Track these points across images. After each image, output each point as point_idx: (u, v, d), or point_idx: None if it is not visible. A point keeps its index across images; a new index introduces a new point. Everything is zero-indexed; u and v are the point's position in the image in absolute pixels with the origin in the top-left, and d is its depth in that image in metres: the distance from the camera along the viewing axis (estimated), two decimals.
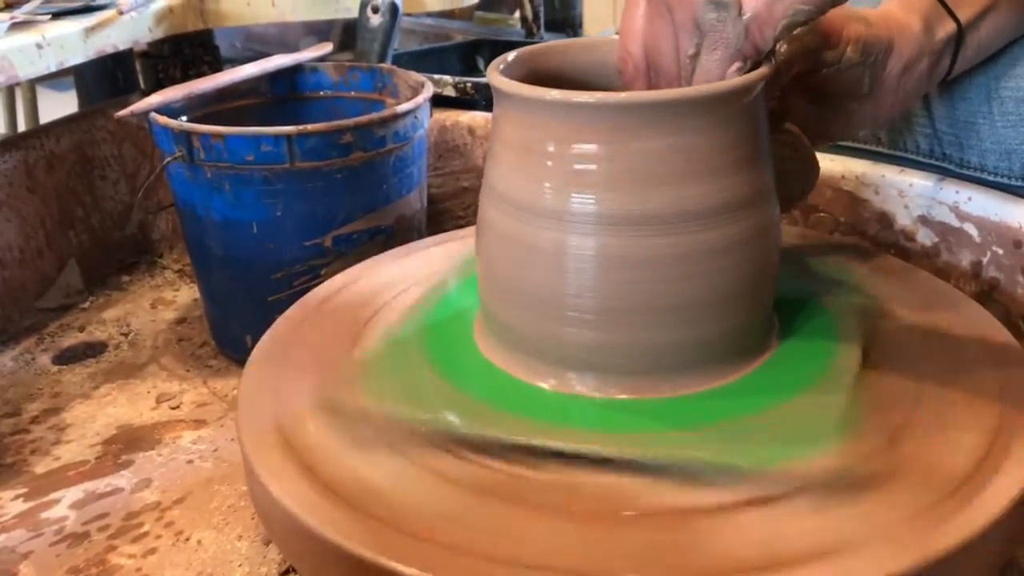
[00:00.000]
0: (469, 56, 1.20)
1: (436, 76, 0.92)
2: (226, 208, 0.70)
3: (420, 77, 0.80)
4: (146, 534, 0.57)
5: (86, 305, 0.89)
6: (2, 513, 0.59)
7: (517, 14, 1.37)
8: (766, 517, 0.41)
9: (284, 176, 0.69)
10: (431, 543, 0.40)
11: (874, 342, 0.52)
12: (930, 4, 0.60)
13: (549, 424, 0.47)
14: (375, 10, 0.88)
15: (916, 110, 0.71)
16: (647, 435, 0.46)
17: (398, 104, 0.74)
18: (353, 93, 0.86)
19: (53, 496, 0.61)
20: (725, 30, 0.45)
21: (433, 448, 0.46)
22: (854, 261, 0.62)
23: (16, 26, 0.79)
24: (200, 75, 0.99)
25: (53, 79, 0.84)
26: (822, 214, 0.73)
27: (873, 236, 0.71)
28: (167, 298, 0.90)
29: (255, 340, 0.57)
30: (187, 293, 0.91)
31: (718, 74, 0.46)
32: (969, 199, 0.66)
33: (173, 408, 0.72)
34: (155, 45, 0.99)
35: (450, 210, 0.94)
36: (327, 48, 0.89)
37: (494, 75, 0.49)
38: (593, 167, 0.46)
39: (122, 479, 0.62)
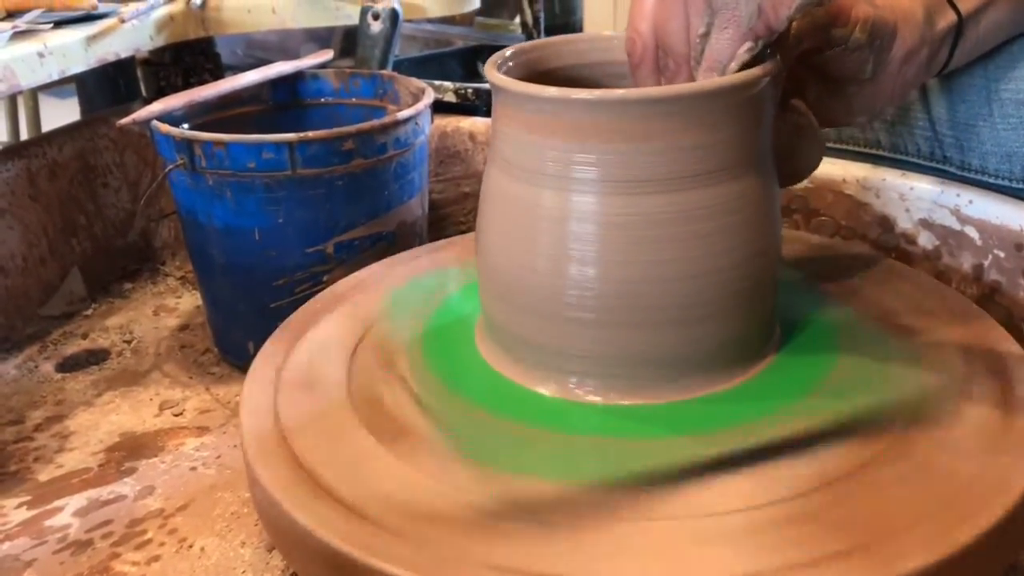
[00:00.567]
0: (470, 62, 1.21)
1: (437, 82, 0.93)
2: (228, 215, 0.71)
3: (421, 83, 0.80)
4: (149, 541, 0.57)
5: (89, 313, 0.89)
6: (5, 521, 0.59)
7: (517, 19, 1.38)
8: None
9: (286, 183, 0.69)
10: (435, 550, 0.40)
11: (876, 347, 0.52)
12: None
13: (548, 430, 0.47)
14: (376, 17, 0.89)
15: (917, 113, 0.71)
16: (646, 441, 0.46)
17: (399, 110, 0.74)
18: (354, 100, 0.86)
19: (56, 504, 0.61)
20: (738, 8, 0.45)
21: (437, 454, 0.46)
22: (855, 265, 0.62)
23: (18, 35, 0.79)
24: (201, 82, 0.99)
25: (55, 87, 0.85)
26: (823, 218, 0.73)
27: (874, 239, 0.71)
28: (169, 305, 0.91)
29: (257, 347, 0.58)
30: (189, 300, 0.91)
31: (729, 54, 0.46)
32: (970, 202, 0.66)
33: (176, 415, 0.72)
34: (156, 53, 0.99)
35: (451, 216, 0.94)
36: (328, 55, 0.89)
37: (492, 72, 0.49)
38: (592, 160, 0.46)
39: (125, 486, 0.63)
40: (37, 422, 0.72)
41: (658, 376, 0.49)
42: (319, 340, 0.57)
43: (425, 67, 1.13)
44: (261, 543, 0.56)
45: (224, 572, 0.54)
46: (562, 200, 0.47)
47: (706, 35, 0.46)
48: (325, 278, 0.72)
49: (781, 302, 0.54)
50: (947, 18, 0.59)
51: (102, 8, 0.87)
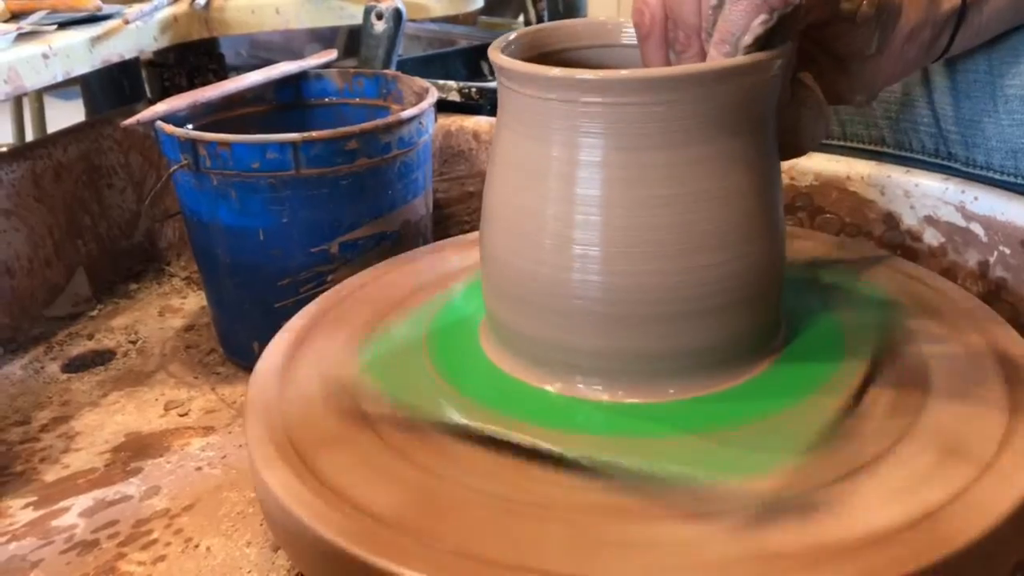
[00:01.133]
0: (473, 61, 1.21)
1: (440, 82, 0.93)
2: (232, 215, 0.71)
3: (424, 83, 0.80)
4: (155, 541, 0.57)
5: (94, 313, 0.90)
6: (12, 521, 0.60)
7: (521, 18, 1.38)
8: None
9: (290, 183, 0.69)
10: (441, 548, 0.40)
11: (881, 346, 0.52)
12: None
13: (553, 428, 0.47)
14: (379, 16, 0.89)
15: (921, 109, 0.71)
16: (649, 440, 0.46)
17: (403, 110, 0.74)
18: (358, 99, 0.86)
19: (63, 504, 0.61)
20: None
21: (444, 453, 0.46)
22: (860, 263, 0.62)
23: (22, 36, 0.79)
24: (205, 83, 0.99)
25: (60, 88, 0.85)
26: (828, 215, 0.73)
27: (879, 237, 0.71)
28: (175, 305, 0.91)
29: (262, 346, 0.58)
30: (194, 300, 0.91)
31: (743, 26, 0.44)
32: (975, 199, 0.66)
33: (181, 415, 0.72)
34: (161, 54, 0.99)
35: (456, 215, 0.94)
36: (332, 55, 0.89)
37: (496, 54, 0.49)
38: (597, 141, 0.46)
39: (131, 487, 0.63)
40: (43, 423, 0.72)
41: (664, 373, 0.48)
42: (324, 340, 0.57)
43: (429, 66, 1.13)
44: (267, 543, 0.56)
45: (230, 572, 0.54)
46: (566, 184, 0.46)
47: (719, 6, 0.45)
48: (329, 278, 0.72)
49: (786, 300, 0.54)
50: (951, 1, 0.59)
51: (106, 9, 0.87)
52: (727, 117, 0.46)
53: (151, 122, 0.72)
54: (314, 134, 0.68)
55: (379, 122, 0.71)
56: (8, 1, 0.86)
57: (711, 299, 0.47)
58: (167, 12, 0.92)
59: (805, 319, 0.55)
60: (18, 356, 0.82)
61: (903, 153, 0.73)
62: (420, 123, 0.74)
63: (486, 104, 0.93)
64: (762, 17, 0.44)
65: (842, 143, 0.77)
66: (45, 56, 0.78)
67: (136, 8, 0.88)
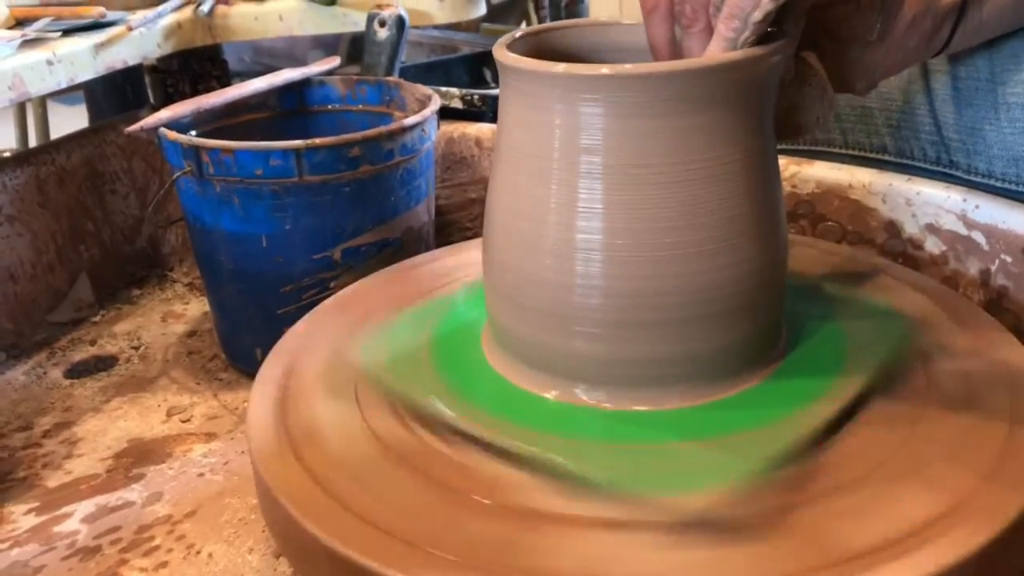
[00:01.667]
0: (476, 68, 1.21)
1: (443, 88, 0.93)
2: (235, 222, 0.71)
3: (427, 90, 0.81)
4: (157, 547, 0.57)
5: (97, 319, 0.90)
6: (15, 527, 0.60)
7: (524, 25, 1.38)
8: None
9: (293, 190, 0.69)
10: (444, 556, 0.40)
11: (881, 357, 0.52)
12: None
13: (557, 436, 0.47)
14: (382, 24, 0.89)
15: (923, 117, 0.71)
16: (648, 446, 0.46)
17: (405, 117, 0.74)
18: (361, 106, 0.86)
19: (65, 510, 0.61)
20: None
21: (445, 461, 0.46)
22: (861, 271, 0.62)
23: (27, 43, 0.80)
24: (209, 89, 0.99)
25: (63, 94, 0.85)
26: (830, 223, 0.73)
27: (881, 245, 0.71)
28: (177, 311, 0.91)
29: (265, 353, 0.58)
30: (197, 306, 0.91)
31: (752, 1, 0.44)
32: (977, 207, 0.66)
33: (184, 421, 0.72)
34: (164, 60, 0.99)
35: (458, 221, 0.95)
36: (335, 62, 0.89)
37: (500, 51, 0.49)
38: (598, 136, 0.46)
39: (133, 493, 0.63)
40: (45, 428, 0.72)
41: (665, 381, 0.48)
42: (327, 346, 0.58)
43: (431, 73, 1.13)
44: (269, 549, 0.56)
45: None
46: (570, 178, 0.47)
47: None
48: (332, 284, 0.72)
49: (787, 307, 0.54)
50: None
51: (110, 16, 0.87)
52: (728, 121, 0.46)
53: (154, 128, 0.72)
54: (317, 141, 0.68)
55: (382, 129, 0.71)
56: (13, 8, 0.86)
57: (712, 306, 0.47)
58: (171, 19, 0.93)
59: (806, 327, 0.55)
60: (21, 362, 0.82)
61: (905, 161, 0.73)
62: (423, 130, 0.74)
63: (488, 111, 0.93)
64: None
65: (844, 151, 0.77)
66: (49, 63, 0.78)
67: (140, 15, 0.89)
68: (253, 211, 0.70)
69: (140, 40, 0.88)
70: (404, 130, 0.72)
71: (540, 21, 1.27)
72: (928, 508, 0.41)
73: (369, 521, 0.42)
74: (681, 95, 0.44)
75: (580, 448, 0.46)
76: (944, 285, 0.62)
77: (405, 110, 0.83)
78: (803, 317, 0.56)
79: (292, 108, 0.86)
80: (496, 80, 0.51)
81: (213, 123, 0.80)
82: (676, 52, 0.50)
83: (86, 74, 0.82)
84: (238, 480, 0.63)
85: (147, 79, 1.05)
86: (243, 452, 0.66)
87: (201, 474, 0.64)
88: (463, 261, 0.67)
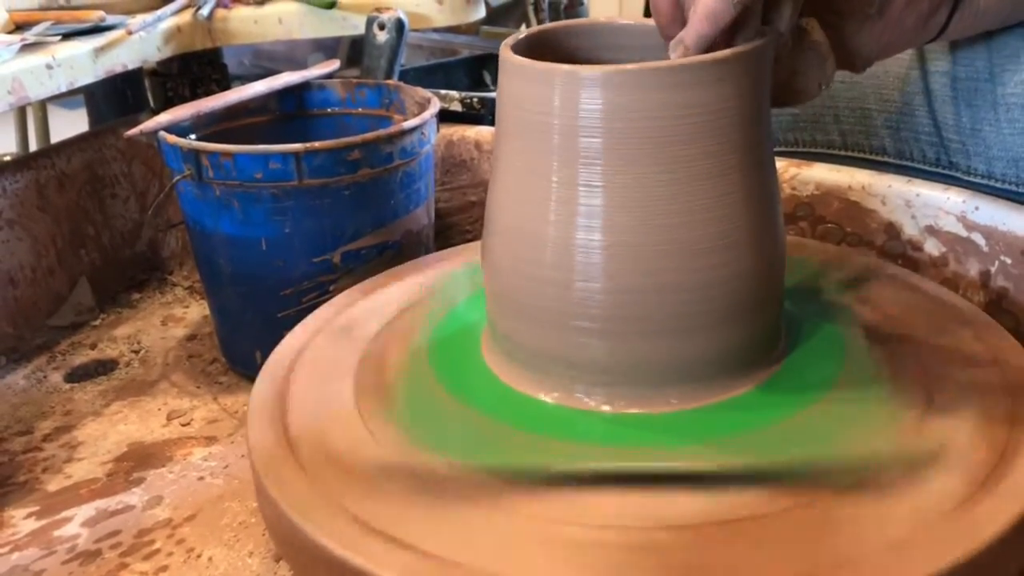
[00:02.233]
0: (476, 71, 1.21)
1: (443, 91, 0.93)
2: (235, 225, 0.71)
3: (426, 93, 0.81)
4: (157, 551, 0.57)
5: (97, 323, 0.90)
6: (15, 531, 0.60)
7: (523, 28, 1.38)
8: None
9: (292, 193, 0.69)
10: (443, 560, 0.40)
11: (880, 360, 0.52)
12: None
13: (556, 439, 0.47)
14: (381, 27, 0.89)
15: (922, 119, 0.71)
16: (655, 450, 0.46)
17: (405, 120, 0.74)
18: (360, 110, 0.86)
19: (65, 514, 0.61)
20: None
21: (445, 465, 0.46)
22: (861, 273, 0.62)
23: (27, 47, 0.80)
24: (208, 93, 0.99)
25: (63, 97, 0.85)
26: (829, 225, 0.73)
27: (880, 246, 0.71)
28: (177, 315, 0.91)
29: (265, 356, 0.58)
30: (197, 310, 0.91)
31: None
32: (976, 209, 0.66)
33: (184, 425, 0.72)
34: (164, 64, 0.99)
35: (458, 224, 0.95)
36: (334, 65, 0.89)
37: (504, 50, 0.49)
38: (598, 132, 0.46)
39: (133, 496, 0.63)
40: (46, 432, 0.72)
41: (666, 382, 0.49)
42: (326, 349, 0.58)
43: (431, 76, 1.14)
44: (269, 553, 0.56)
45: None
46: (569, 180, 0.47)
47: None
48: (332, 287, 0.72)
49: (786, 310, 0.54)
50: None
51: (110, 20, 0.87)
52: (726, 120, 0.46)
53: (154, 132, 0.72)
54: (316, 145, 0.68)
55: (381, 132, 0.71)
56: (13, 12, 0.86)
57: (711, 305, 0.47)
58: (170, 22, 0.93)
59: (805, 330, 0.55)
60: (21, 366, 0.82)
61: (904, 162, 0.73)
62: (422, 133, 0.74)
63: (488, 114, 0.93)
64: None
65: (843, 153, 0.77)
66: (49, 67, 0.78)
67: (139, 19, 0.89)
68: (253, 214, 0.70)
69: (140, 44, 0.88)
70: (403, 133, 0.72)
71: (540, 24, 1.27)
72: (900, 529, 0.40)
73: (369, 525, 0.42)
74: (678, 93, 0.44)
75: (576, 451, 0.46)
76: (944, 287, 0.62)
77: (405, 113, 0.83)
78: (802, 319, 0.56)
79: (292, 111, 0.86)
80: (495, 83, 0.51)
81: (213, 127, 0.80)
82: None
83: (86, 78, 0.82)
84: (238, 484, 0.63)
85: (147, 83, 1.05)
86: (243, 456, 0.66)
87: (201, 478, 0.64)
88: (463, 264, 0.67)
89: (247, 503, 0.61)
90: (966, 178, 0.69)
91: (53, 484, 0.65)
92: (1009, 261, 0.64)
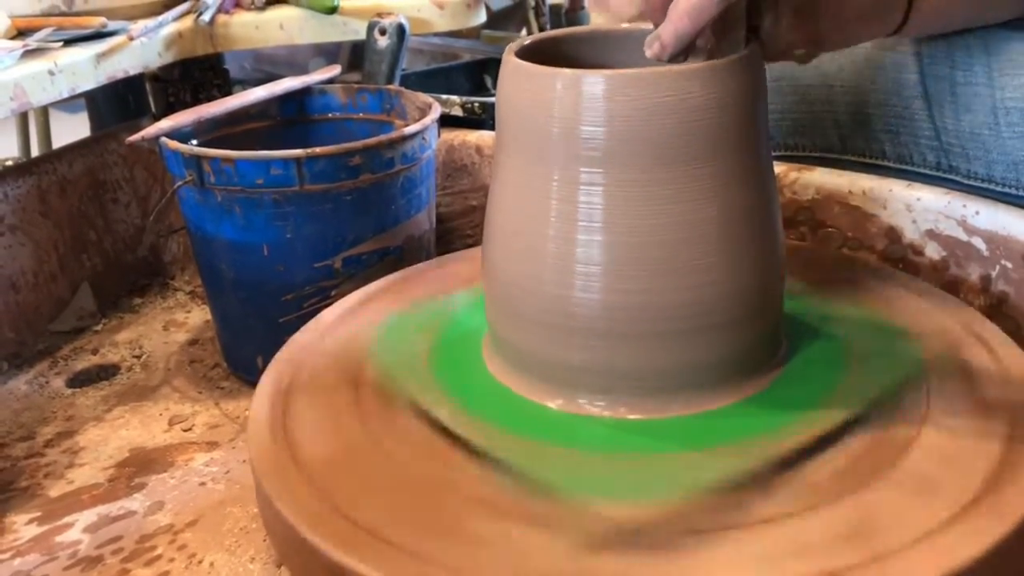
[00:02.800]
0: (477, 75, 1.21)
1: (444, 96, 0.93)
2: (237, 231, 0.71)
3: (427, 98, 0.81)
4: (159, 557, 0.57)
5: (99, 328, 0.90)
6: (16, 537, 0.60)
7: (524, 32, 1.38)
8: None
9: (294, 199, 0.69)
10: (444, 566, 0.40)
11: (879, 366, 0.52)
12: None
13: (557, 445, 0.47)
14: (382, 32, 0.89)
15: (922, 123, 0.71)
16: (654, 456, 0.46)
17: (406, 125, 0.74)
18: (361, 115, 0.86)
19: (67, 520, 0.61)
20: None
21: (447, 470, 0.46)
22: (862, 277, 0.62)
23: (28, 53, 0.80)
24: (210, 98, 1.00)
25: (65, 102, 0.85)
26: (829, 229, 0.73)
27: (881, 251, 0.71)
28: (179, 320, 0.91)
29: (266, 361, 0.58)
30: (199, 315, 0.91)
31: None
32: (977, 213, 0.66)
33: (185, 430, 0.72)
34: (165, 69, 1.00)
35: (459, 229, 0.95)
36: (335, 70, 0.89)
37: (508, 56, 0.49)
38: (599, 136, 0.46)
39: (135, 502, 0.63)
40: (48, 438, 0.72)
41: (667, 390, 0.49)
42: (328, 354, 0.58)
43: (432, 80, 1.14)
44: (270, 559, 0.56)
45: None
46: (570, 188, 0.47)
47: None
48: (333, 293, 0.72)
49: (787, 315, 0.54)
50: None
51: (111, 26, 0.87)
52: (725, 129, 0.46)
53: (156, 138, 0.72)
54: (318, 150, 0.68)
55: (382, 138, 0.71)
56: (15, 18, 0.87)
57: (711, 317, 0.48)
58: (172, 28, 0.93)
59: (806, 336, 0.55)
60: (23, 371, 0.82)
61: (904, 166, 0.73)
62: (423, 138, 0.74)
63: (489, 118, 0.93)
64: None
65: (843, 157, 0.77)
66: (51, 73, 0.78)
67: (141, 24, 0.89)
68: (254, 220, 0.70)
69: (141, 50, 0.88)
70: (405, 138, 0.72)
71: (540, 28, 1.27)
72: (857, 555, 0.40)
73: (370, 530, 0.42)
74: (678, 97, 0.45)
75: (576, 456, 0.46)
76: (942, 290, 0.62)
77: (406, 118, 0.83)
78: (802, 325, 0.56)
79: (293, 117, 0.86)
80: (496, 87, 0.51)
81: (214, 132, 0.80)
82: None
83: (87, 84, 0.82)
84: (239, 489, 0.63)
85: (148, 88, 1.05)
86: (244, 461, 0.66)
87: (203, 483, 0.64)
88: (464, 269, 0.67)
89: (248, 508, 0.61)
90: (966, 182, 0.69)
91: (55, 490, 0.65)
92: (1010, 265, 0.64)
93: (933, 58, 0.70)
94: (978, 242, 0.66)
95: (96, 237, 0.94)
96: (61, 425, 0.74)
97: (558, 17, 1.40)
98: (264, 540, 0.57)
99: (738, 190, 0.47)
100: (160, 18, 0.92)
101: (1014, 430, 0.46)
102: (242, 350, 0.77)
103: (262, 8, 0.98)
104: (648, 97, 0.45)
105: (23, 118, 1.83)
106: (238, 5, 0.98)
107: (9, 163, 1.58)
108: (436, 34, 1.09)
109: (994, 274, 0.65)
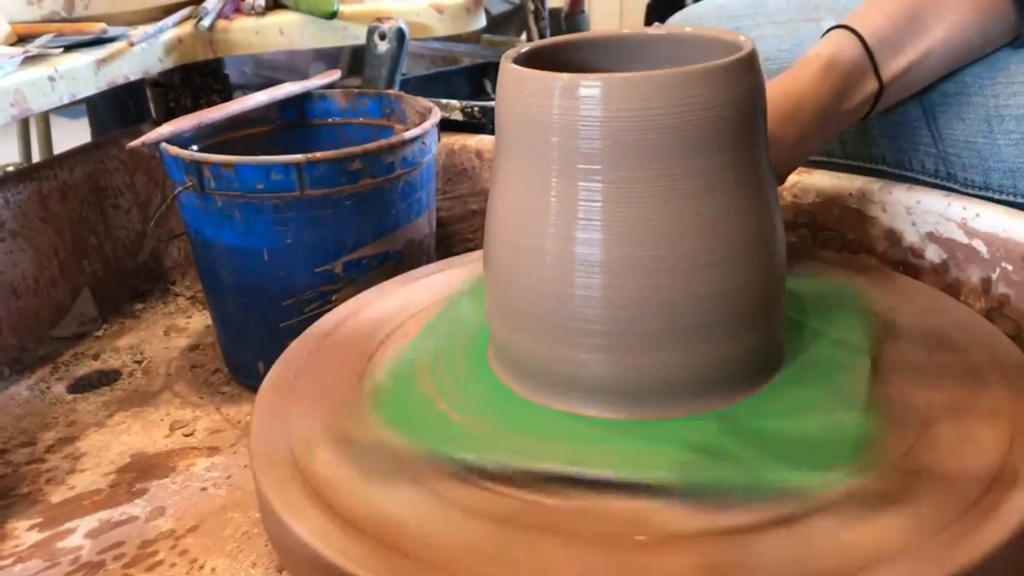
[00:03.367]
0: (476, 79, 1.21)
1: (444, 100, 0.93)
2: (237, 236, 0.71)
3: (427, 103, 0.81)
4: (161, 562, 0.57)
5: (100, 333, 0.90)
6: (18, 543, 0.60)
7: (524, 37, 1.38)
8: (794, 536, 0.40)
9: (294, 204, 0.69)
10: (447, 571, 0.40)
11: (884, 361, 0.52)
12: (856, 62, 0.61)
13: (562, 448, 0.47)
14: (382, 36, 0.89)
15: (920, 131, 0.71)
16: (659, 457, 0.46)
17: (406, 130, 0.74)
18: (361, 119, 0.86)
19: (68, 526, 0.61)
20: None
21: (448, 477, 0.46)
22: (863, 280, 0.62)
23: (29, 59, 0.80)
24: (210, 103, 1.00)
25: (66, 107, 0.86)
26: (830, 232, 0.74)
27: (882, 253, 0.71)
28: (180, 325, 0.91)
29: (267, 366, 0.58)
30: (199, 320, 0.91)
31: None
32: (977, 215, 0.66)
33: (186, 435, 0.72)
34: (166, 75, 1.00)
35: (459, 233, 0.95)
36: (335, 75, 0.90)
37: (507, 62, 0.49)
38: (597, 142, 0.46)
39: (136, 507, 0.63)
40: (49, 443, 0.72)
41: (670, 391, 0.49)
42: (329, 360, 0.58)
43: (432, 85, 1.14)
44: (272, 564, 0.56)
45: None
46: (569, 190, 0.47)
47: None
48: (334, 297, 0.72)
49: (788, 318, 0.54)
50: (865, 90, 0.62)
51: (112, 32, 0.88)
52: (724, 130, 0.46)
53: (156, 143, 0.72)
54: (318, 155, 0.68)
55: (383, 142, 0.71)
56: (15, 24, 0.87)
57: (712, 316, 0.47)
58: (172, 34, 0.93)
59: (807, 338, 0.55)
60: (24, 376, 0.82)
61: (903, 172, 0.73)
62: (423, 143, 0.74)
63: (489, 123, 0.93)
64: None
65: (843, 161, 0.77)
66: (51, 79, 0.78)
67: (141, 30, 0.89)
68: (254, 225, 0.70)
69: (142, 55, 0.88)
70: (405, 143, 0.72)
71: (540, 32, 1.28)
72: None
73: (372, 535, 0.42)
74: (676, 100, 0.45)
75: (579, 457, 0.46)
76: (943, 293, 0.62)
77: (406, 123, 0.83)
78: (803, 327, 0.56)
79: (293, 121, 0.86)
80: (496, 91, 0.51)
81: (214, 137, 0.80)
82: None
83: (88, 90, 0.82)
84: (241, 494, 0.63)
85: (149, 94, 1.06)
86: (246, 466, 0.66)
87: (204, 488, 0.64)
88: (465, 272, 0.67)
89: (250, 513, 0.61)
90: (964, 190, 0.69)
91: (56, 495, 0.65)
92: (1010, 267, 0.64)
93: None
94: (978, 244, 0.66)
95: (97, 242, 0.94)
96: (62, 431, 0.74)
97: (557, 21, 1.40)
98: (265, 545, 0.57)
99: (738, 191, 0.47)
100: (160, 24, 0.92)
101: (1014, 430, 0.46)
102: (243, 355, 0.77)
103: (262, 13, 0.98)
104: (646, 99, 0.45)
105: (24, 124, 1.83)
106: (238, 10, 0.99)
107: (10, 169, 1.59)
108: (436, 38, 1.09)
109: (994, 276, 0.65)
